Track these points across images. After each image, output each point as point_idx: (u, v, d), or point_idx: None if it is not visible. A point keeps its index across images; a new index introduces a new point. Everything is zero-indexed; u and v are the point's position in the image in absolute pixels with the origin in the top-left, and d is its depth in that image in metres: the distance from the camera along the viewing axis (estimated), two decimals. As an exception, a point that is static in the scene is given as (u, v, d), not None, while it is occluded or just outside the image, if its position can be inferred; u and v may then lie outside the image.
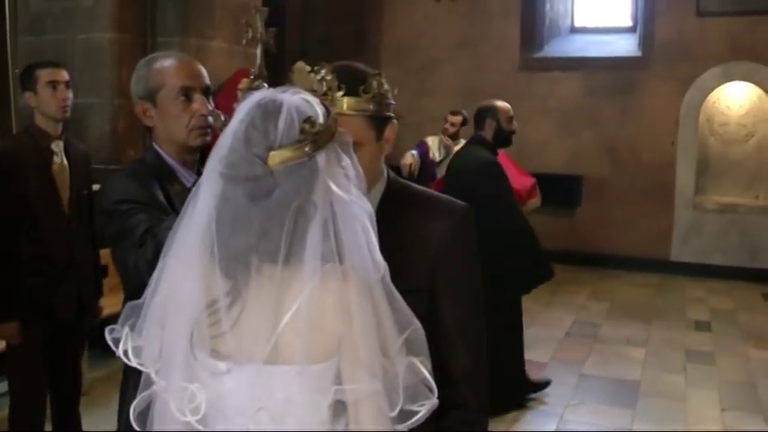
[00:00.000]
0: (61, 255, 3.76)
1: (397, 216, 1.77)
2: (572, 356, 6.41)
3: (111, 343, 1.51)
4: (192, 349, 1.41)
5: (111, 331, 1.52)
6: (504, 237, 4.87)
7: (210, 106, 2.35)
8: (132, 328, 1.50)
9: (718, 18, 9.46)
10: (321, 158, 1.40)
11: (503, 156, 6.46)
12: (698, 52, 9.54)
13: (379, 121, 1.76)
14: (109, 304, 4.10)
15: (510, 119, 5.43)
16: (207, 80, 2.40)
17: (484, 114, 5.56)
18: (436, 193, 1.99)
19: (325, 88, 1.67)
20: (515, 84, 10.31)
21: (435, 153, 7.64)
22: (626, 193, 9.94)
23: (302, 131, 1.38)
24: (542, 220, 9.31)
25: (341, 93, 1.69)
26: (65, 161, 3.79)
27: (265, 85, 2.05)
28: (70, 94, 3.78)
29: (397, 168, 7.79)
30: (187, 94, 2.31)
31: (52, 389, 3.88)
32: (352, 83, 1.70)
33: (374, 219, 1.45)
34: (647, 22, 9.98)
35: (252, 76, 2.05)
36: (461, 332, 1.82)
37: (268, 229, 1.36)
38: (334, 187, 1.40)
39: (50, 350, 3.78)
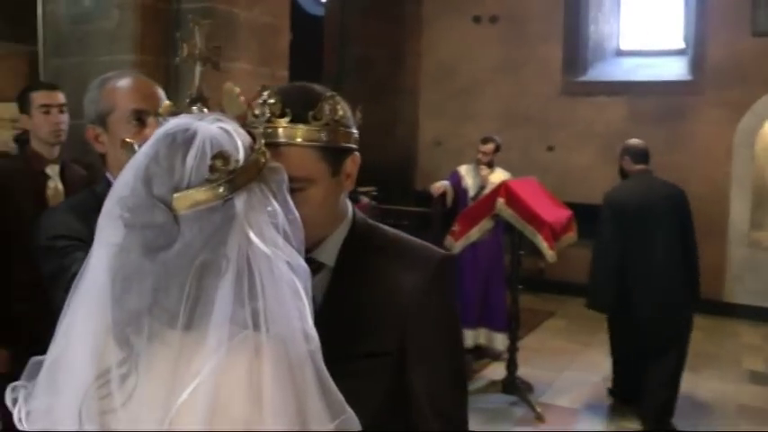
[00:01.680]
0: None
1: (361, 264, 1.59)
2: (607, 405, 5.99)
3: (9, 404, 1.32)
4: (82, 425, 1.22)
5: (14, 389, 1.33)
6: None
7: None
8: (31, 390, 1.32)
9: (775, 38, 9.03)
10: (240, 202, 1.21)
11: (535, 185, 6.20)
12: (754, 75, 9.09)
13: (333, 153, 1.52)
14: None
15: None
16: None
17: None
18: (410, 237, 1.69)
19: (268, 113, 1.47)
20: (557, 109, 10.11)
21: (468, 183, 7.24)
22: (674, 227, 9.45)
23: (213, 169, 1.19)
24: (583, 253, 8.91)
25: (286, 119, 1.47)
26: (59, 185, 3.70)
27: (205, 110, 1.78)
28: (65, 118, 3.73)
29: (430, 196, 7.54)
30: (140, 118, 2.15)
31: None
32: (300, 108, 1.48)
33: (309, 279, 1.24)
34: (698, 44, 9.60)
35: (189, 99, 1.76)
36: (436, 406, 1.59)
37: (165, 289, 1.18)
38: (255, 239, 1.20)
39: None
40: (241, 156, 1.22)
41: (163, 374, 1.19)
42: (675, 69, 9.98)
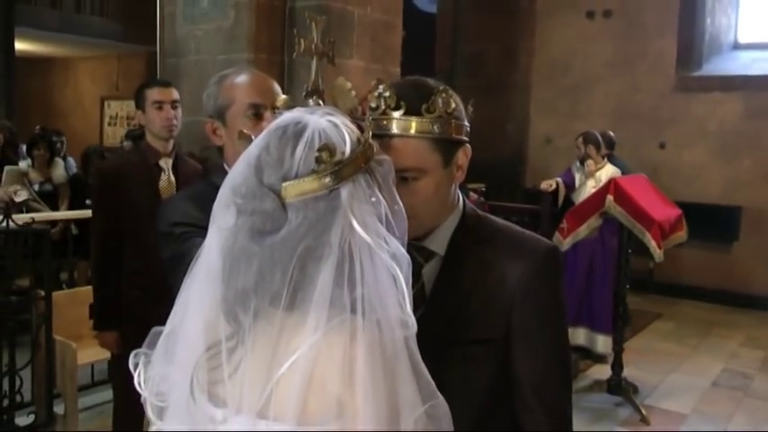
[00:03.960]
0: (161, 269, 3.77)
1: (469, 254, 1.61)
2: (717, 410, 5.85)
3: (132, 368, 1.41)
4: (193, 393, 1.28)
5: (135, 355, 1.42)
6: None
7: None
8: (148, 357, 1.40)
9: None
10: (345, 192, 1.23)
11: (645, 182, 6.11)
12: None
13: (445, 145, 1.56)
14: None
15: None
16: None
17: None
18: (519, 228, 1.72)
19: (383, 106, 1.52)
20: (671, 105, 9.91)
21: (576, 177, 7.28)
22: (791, 228, 9.23)
23: (318, 161, 1.23)
24: (694, 254, 8.84)
25: (400, 111, 1.51)
26: (172, 178, 3.82)
27: (321, 102, 1.88)
28: (177, 113, 3.84)
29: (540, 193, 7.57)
30: (257, 111, 2.22)
31: (117, 407, 3.98)
32: (414, 100, 1.52)
33: (410, 268, 1.26)
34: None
35: (305, 93, 1.87)
36: (539, 394, 1.60)
37: (270, 271, 1.22)
38: (357, 227, 1.22)
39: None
40: (348, 148, 1.25)
41: (265, 350, 1.24)
42: (795, 63, 9.66)
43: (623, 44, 10.19)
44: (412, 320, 1.24)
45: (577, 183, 7.28)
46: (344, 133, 1.27)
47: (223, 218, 1.29)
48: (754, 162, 9.43)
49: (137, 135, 8.17)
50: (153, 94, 3.81)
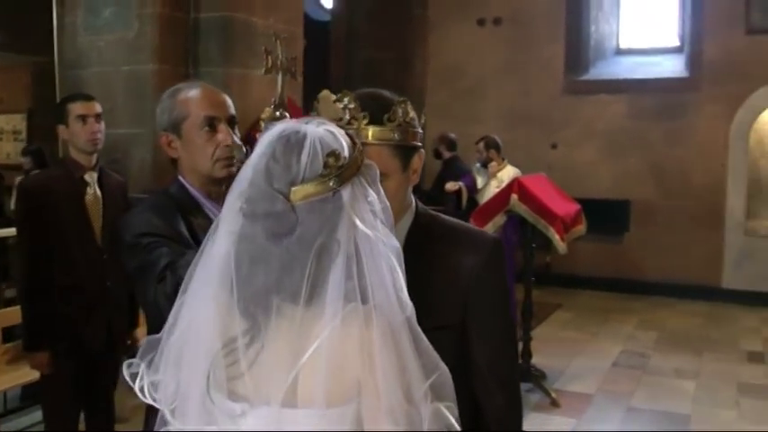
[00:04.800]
0: (93, 285, 3.76)
1: (425, 249, 1.72)
2: (619, 388, 6.23)
3: (128, 378, 1.47)
4: (209, 391, 1.36)
5: (130, 365, 1.48)
6: None
7: (236, 137, 2.29)
8: (150, 364, 1.46)
9: (768, 36, 9.25)
10: (346, 193, 1.35)
11: (545, 181, 6.41)
12: (748, 71, 9.33)
13: (404, 151, 1.70)
14: (145, 334, 4.06)
15: None
16: (232, 110, 2.35)
17: None
18: (466, 224, 1.92)
19: (348, 117, 1.62)
20: (561, 107, 10.30)
21: (477, 179, 7.59)
22: (675, 219, 9.73)
23: (326, 165, 1.33)
24: (589, 246, 9.23)
25: (365, 121, 1.63)
26: (98, 192, 3.81)
27: (287, 114, 2.01)
28: (101, 127, 3.80)
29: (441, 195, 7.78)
30: (212, 124, 2.26)
31: (87, 418, 3.92)
32: (377, 111, 1.65)
33: (401, 256, 1.38)
34: (694, 42, 9.83)
35: (272, 105, 2.01)
36: (494, 370, 1.76)
37: (289, 269, 1.32)
38: (359, 224, 1.34)
39: (82, 380, 3.77)
40: (346, 153, 1.36)
41: (287, 342, 1.32)
42: (673, 67, 10.19)
43: (514, 50, 10.50)
44: (409, 302, 1.35)
45: (480, 184, 7.56)
46: (341, 140, 1.38)
47: (229, 222, 1.37)
48: (639, 158, 9.93)
49: (34, 151, 8.01)
50: (76, 108, 3.75)
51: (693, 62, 9.80)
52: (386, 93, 1.74)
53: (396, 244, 1.39)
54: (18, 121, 9.93)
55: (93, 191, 3.80)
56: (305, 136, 1.35)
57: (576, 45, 10.43)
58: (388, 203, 1.42)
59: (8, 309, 4.83)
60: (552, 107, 10.31)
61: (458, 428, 1.37)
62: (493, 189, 7.06)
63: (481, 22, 10.76)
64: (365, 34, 10.98)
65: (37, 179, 4.08)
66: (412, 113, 1.71)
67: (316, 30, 10.11)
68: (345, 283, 1.31)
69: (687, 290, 9.47)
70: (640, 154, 9.94)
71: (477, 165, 7.72)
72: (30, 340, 3.74)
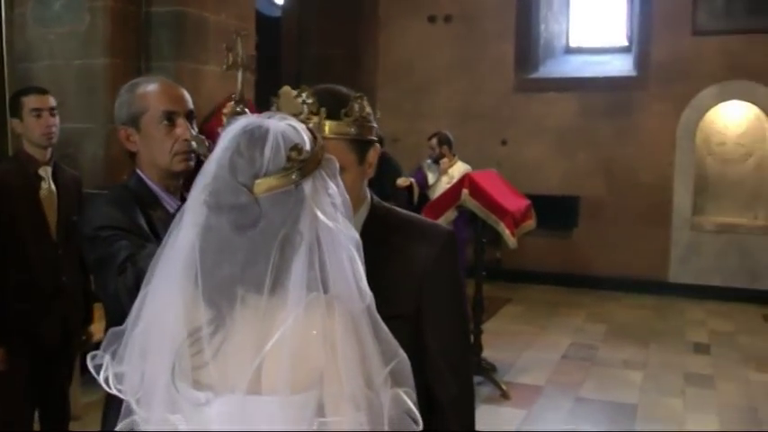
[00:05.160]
0: (47, 281, 3.73)
1: (380, 240, 1.74)
2: (568, 380, 6.34)
3: (92, 370, 1.49)
4: (174, 380, 1.39)
5: (94, 357, 1.50)
6: None
7: (194, 131, 2.32)
8: (114, 355, 1.48)
9: (714, 37, 9.45)
10: (308, 186, 1.38)
11: (495, 176, 6.47)
12: (694, 71, 9.54)
13: (360, 145, 1.74)
14: (101, 330, 4.03)
15: None
16: (190, 105, 2.37)
17: None
18: (420, 217, 1.97)
19: (306, 112, 1.66)
20: (510, 105, 10.40)
21: (429, 175, 7.65)
22: (623, 214, 9.89)
23: (289, 159, 1.36)
24: (539, 241, 9.35)
25: (323, 116, 1.67)
26: (53, 187, 3.79)
27: (247, 110, 2.04)
28: (56, 121, 3.79)
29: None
30: (170, 118, 2.29)
31: (42, 415, 3.89)
32: (334, 106, 1.69)
33: (360, 247, 1.43)
34: (642, 42, 9.98)
35: (233, 101, 2.04)
36: (447, 358, 1.80)
37: (254, 260, 1.35)
38: (320, 215, 1.38)
39: (37, 377, 3.75)
40: (308, 147, 1.39)
41: (251, 331, 1.35)
42: (621, 66, 10.36)
43: (464, 48, 10.56)
44: (369, 291, 1.39)
45: (431, 180, 7.63)
46: (303, 135, 1.41)
47: (194, 215, 1.40)
48: (588, 155, 10.07)
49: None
50: (30, 101, 3.73)
51: (641, 62, 9.97)
52: (343, 88, 1.78)
53: (355, 235, 1.43)
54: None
55: (48, 186, 3.78)
56: (268, 130, 1.39)
57: (526, 43, 10.53)
58: (347, 196, 1.46)
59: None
60: (502, 104, 10.40)
61: (416, 413, 1.42)
62: (443, 185, 7.14)
63: (432, 20, 10.80)
64: (316, 30, 10.96)
65: None
66: (368, 109, 1.75)
67: (267, 26, 10.07)
68: (308, 273, 1.35)
69: (635, 284, 9.65)
70: (589, 151, 10.09)
71: (428, 161, 7.78)
72: None
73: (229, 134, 1.41)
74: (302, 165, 1.37)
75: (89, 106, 5.96)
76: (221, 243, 1.36)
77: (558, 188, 10.05)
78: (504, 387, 5.93)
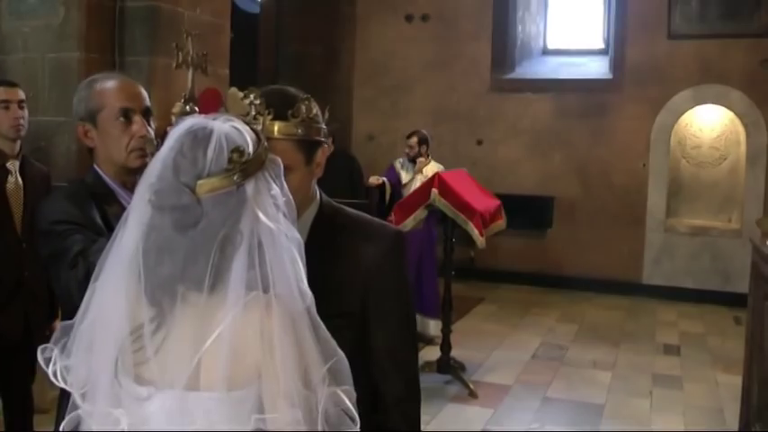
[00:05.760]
0: (9, 275, 3.72)
1: (328, 240, 1.79)
2: (537, 379, 6.37)
3: (42, 363, 1.50)
4: (117, 375, 1.41)
5: (44, 350, 1.50)
6: None
7: (151, 128, 2.33)
8: (63, 349, 1.49)
9: (689, 41, 9.52)
10: (250, 187, 1.41)
11: (466, 176, 6.49)
12: (669, 75, 9.59)
13: (308, 145, 1.76)
14: (64, 325, 4.02)
15: None
16: (147, 102, 2.39)
17: None
18: (369, 216, 1.98)
19: (254, 112, 1.68)
20: (486, 105, 10.42)
21: (403, 174, 7.65)
22: (597, 216, 9.93)
23: (230, 161, 1.39)
24: (512, 242, 9.40)
25: (269, 117, 1.69)
26: (20, 181, 3.78)
27: (196, 109, 2.05)
28: (24, 113, 3.78)
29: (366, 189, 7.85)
30: (127, 115, 2.31)
31: (5, 410, 3.88)
32: (281, 107, 1.71)
33: (302, 248, 1.45)
34: (618, 45, 10.02)
35: (182, 100, 2.05)
36: (392, 357, 1.84)
37: (194, 259, 1.37)
38: (262, 217, 1.40)
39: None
40: (251, 149, 1.41)
41: (191, 328, 1.38)
42: (597, 68, 10.40)
43: (441, 47, 10.58)
44: (309, 292, 1.42)
45: (404, 179, 7.61)
46: (246, 136, 1.43)
47: (139, 213, 1.42)
48: (563, 156, 10.11)
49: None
50: None
51: (617, 64, 10.00)
52: (291, 90, 1.80)
53: (297, 236, 1.45)
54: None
55: (15, 179, 3.77)
56: (211, 132, 1.41)
57: (503, 44, 10.54)
58: (291, 197, 1.49)
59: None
60: (478, 104, 10.43)
61: (353, 411, 1.44)
62: (418, 184, 7.13)
63: (409, 18, 10.81)
64: (293, 28, 10.97)
65: None
66: (315, 110, 1.77)
67: (244, 22, 10.05)
68: (247, 273, 1.37)
69: (609, 285, 9.69)
70: (565, 152, 10.12)
71: (401, 159, 7.78)
72: None
73: (174, 134, 1.43)
74: (244, 166, 1.40)
75: (63, 100, 5.91)
76: (163, 242, 1.39)
77: (532, 189, 10.08)
78: (471, 386, 5.95)
